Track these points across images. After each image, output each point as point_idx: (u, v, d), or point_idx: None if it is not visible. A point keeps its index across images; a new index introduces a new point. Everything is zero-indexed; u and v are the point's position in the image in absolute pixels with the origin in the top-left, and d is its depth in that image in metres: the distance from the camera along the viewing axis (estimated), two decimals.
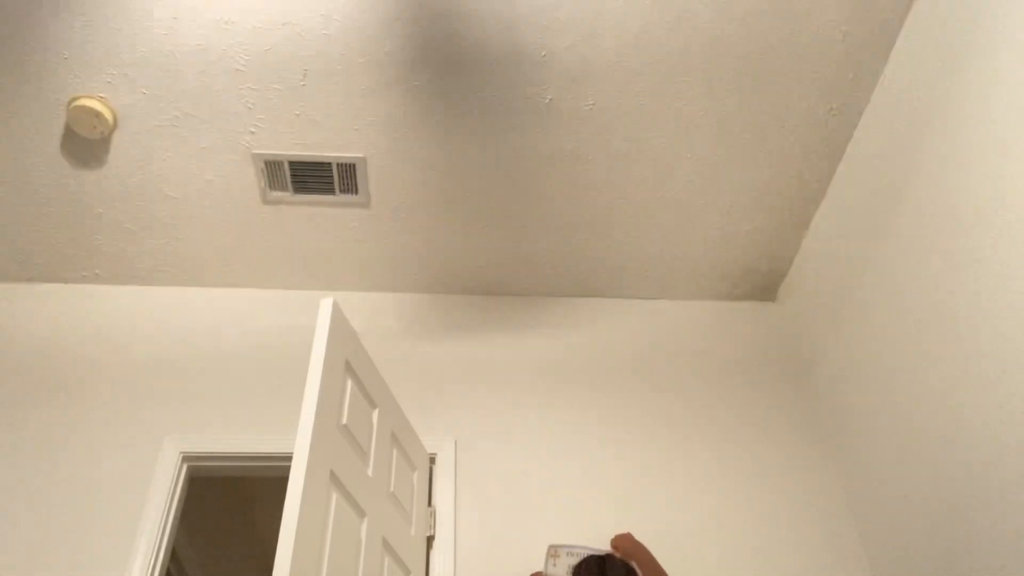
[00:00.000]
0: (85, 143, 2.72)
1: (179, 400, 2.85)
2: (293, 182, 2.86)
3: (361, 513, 2.09)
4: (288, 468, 1.83)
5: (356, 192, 2.91)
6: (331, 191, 2.90)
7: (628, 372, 3.10)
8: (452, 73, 2.59)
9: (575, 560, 2.51)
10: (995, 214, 2.10)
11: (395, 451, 2.43)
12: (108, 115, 2.60)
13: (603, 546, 2.53)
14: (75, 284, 3.17)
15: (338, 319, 2.19)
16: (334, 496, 1.95)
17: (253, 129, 2.71)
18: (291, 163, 2.81)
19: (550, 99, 2.67)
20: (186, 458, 2.69)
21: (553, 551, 2.51)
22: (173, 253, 3.10)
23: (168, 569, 2.63)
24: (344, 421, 2.10)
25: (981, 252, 2.15)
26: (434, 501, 2.65)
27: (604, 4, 2.44)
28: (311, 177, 2.85)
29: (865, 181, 2.72)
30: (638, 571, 2.23)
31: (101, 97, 2.60)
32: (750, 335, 3.27)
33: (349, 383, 2.20)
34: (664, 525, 2.66)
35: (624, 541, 2.43)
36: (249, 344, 3.04)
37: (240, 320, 3.13)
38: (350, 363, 2.23)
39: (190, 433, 2.75)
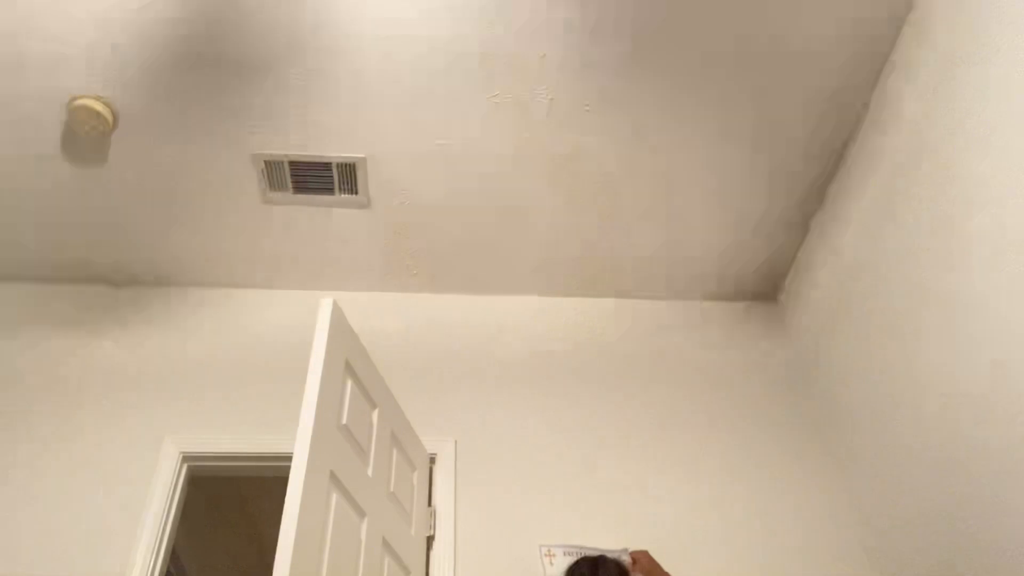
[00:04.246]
0: (85, 143, 2.72)
1: (179, 400, 2.85)
2: (293, 182, 2.86)
3: (361, 513, 2.09)
4: (288, 468, 1.83)
5: (356, 192, 2.91)
6: (331, 191, 2.90)
7: (629, 372, 3.09)
8: (453, 73, 2.59)
9: (573, 560, 2.50)
10: (997, 215, 2.10)
11: (395, 451, 2.43)
12: (108, 115, 2.60)
13: (601, 545, 2.53)
14: (75, 284, 3.17)
15: (338, 319, 2.19)
16: (334, 496, 1.95)
17: (253, 129, 2.71)
18: (291, 163, 2.81)
19: (551, 99, 2.67)
20: (186, 458, 2.69)
21: (548, 551, 2.50)
22: (173, 253, 3.10)
23: (168, 569, 2.63)
24: (344, 421, 2.10)
25: (981, 254, 2.15)
26: (434, 501, 2.65)
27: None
28: (311, 177, 2.85)
29: (865, 182, 2.72)
30: (631, 571, 2.21)
31: (101, 97, 2.60)
32: (751, 335, 3.27)
33: (349, 383, 2.20)
34: (664, 525, 2.66)
35: (641, 558, 2.41)
36: (249, 344, 3.04)
37: (240, 320, 3.12)
38: (350, 363, 2.23)
39: (190, 433, 2.75)
